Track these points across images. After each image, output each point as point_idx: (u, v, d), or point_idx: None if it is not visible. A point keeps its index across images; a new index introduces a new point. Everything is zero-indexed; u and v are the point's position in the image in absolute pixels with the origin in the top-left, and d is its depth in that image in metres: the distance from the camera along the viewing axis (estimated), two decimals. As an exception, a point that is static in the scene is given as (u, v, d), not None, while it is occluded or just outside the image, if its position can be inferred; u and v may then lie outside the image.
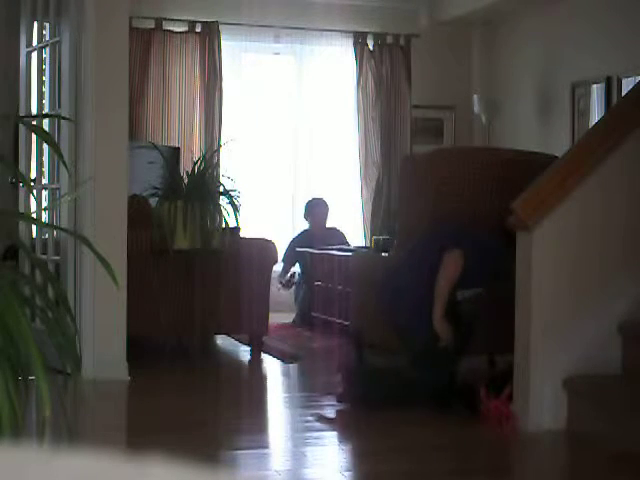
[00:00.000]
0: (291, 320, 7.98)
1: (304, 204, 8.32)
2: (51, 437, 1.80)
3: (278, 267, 7.60)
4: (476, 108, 8.85)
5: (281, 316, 7.80)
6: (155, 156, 6.70)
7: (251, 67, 8.89)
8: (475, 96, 8.90)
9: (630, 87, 5.18)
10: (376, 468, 3.61)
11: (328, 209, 8.31)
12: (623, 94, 6.81)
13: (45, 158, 5.86)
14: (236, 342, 6.66)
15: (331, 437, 4.15)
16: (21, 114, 5.67)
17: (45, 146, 5.48)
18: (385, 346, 5.28)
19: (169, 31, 8.46)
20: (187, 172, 6.16)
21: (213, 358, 6.32)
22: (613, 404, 4.03)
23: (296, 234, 8.41)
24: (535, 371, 4.10)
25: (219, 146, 8.23)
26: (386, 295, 4.84)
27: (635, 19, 7.15)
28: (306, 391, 5.45)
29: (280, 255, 6.69)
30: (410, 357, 4.68)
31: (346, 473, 3.56)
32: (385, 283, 4.93)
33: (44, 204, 5.84)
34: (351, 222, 8.98)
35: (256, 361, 6.17)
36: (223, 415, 4.56)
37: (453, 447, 3.92)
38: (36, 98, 5.75)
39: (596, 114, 7.61)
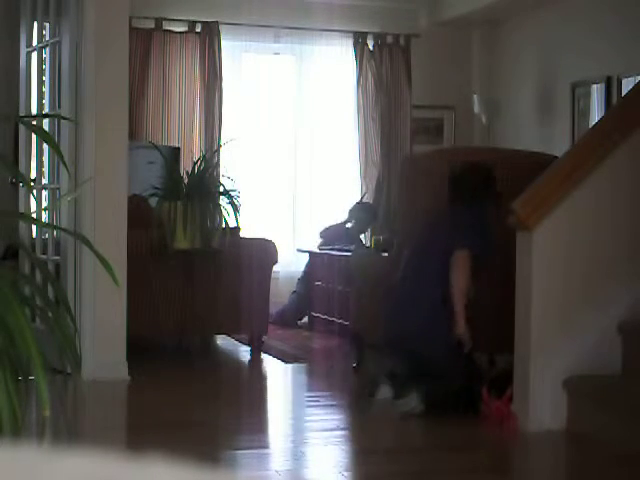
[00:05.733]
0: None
1: (352, 205, 8.18)
2: (51, 437, 1.80)
3: (277, 268, 7.54)
4: (476, 108, 8.84)
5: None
6: (155, 156, 6.70)
7: (251, 67, 8.88)
8: (475, 96, 8.89)
9: (630, 87, 5.18)
10: (376, 468, 3.61)
11: (374, 215, 8.18)
12: (623, 94, 6.81)
13: (45, 158, 5.86)
14: (236, 342, 6.66)
15: (331, 437, 4.15)
16: (21, 114, 5.66)
17: (45, 146, 5.48)
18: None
19: (169, 31, 8.45)
20: (187, 172, 6.16)
21: (213, 358, 6.32)
22: (613, 404, 4.03)
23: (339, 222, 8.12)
24: (535, 371, 4.10)
25: (219, 146, 8.22)
26: (394, 303, 4.71)
27: (635, 19, 7.14)
28: (307, 391, 5.45)
29: (280, 255, 6.66)
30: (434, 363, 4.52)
31: (346, 473, 3.56)
32: (390, 291, 4.80)
33: (44, 204, 5.84)
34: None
35: (256, 361, 6.17)
36: (223, 415, 4.56)
37: (453, 447, 3.92)
38: (36, 98, 5.75)
39: (596, 114, 7.60)
